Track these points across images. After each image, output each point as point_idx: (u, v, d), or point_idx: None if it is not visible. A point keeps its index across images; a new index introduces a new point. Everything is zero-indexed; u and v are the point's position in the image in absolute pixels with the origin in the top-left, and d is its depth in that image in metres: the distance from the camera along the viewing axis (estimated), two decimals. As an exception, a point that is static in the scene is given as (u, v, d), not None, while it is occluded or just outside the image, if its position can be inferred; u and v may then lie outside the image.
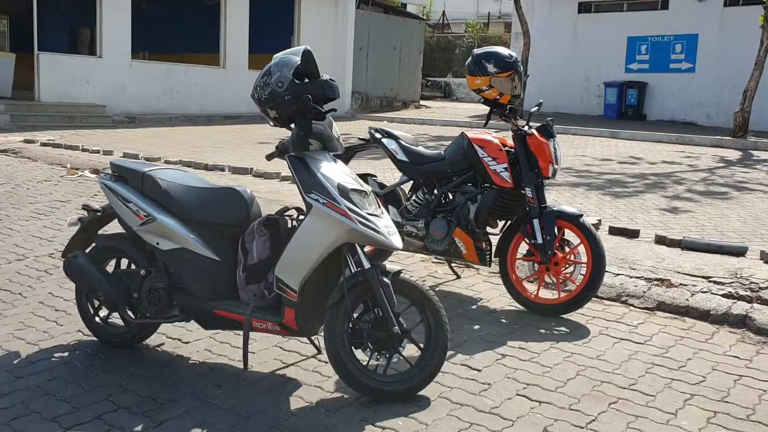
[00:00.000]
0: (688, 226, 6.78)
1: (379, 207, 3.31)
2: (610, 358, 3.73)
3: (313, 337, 3.48)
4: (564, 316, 4.33)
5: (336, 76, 15.41)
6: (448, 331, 3.26)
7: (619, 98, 19.48)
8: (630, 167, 10.94)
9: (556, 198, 7.88)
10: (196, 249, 3.37)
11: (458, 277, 5.06)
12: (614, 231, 6.00)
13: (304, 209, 3.23)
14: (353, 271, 3.20)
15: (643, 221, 6.84)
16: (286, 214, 3.44)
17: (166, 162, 9.91)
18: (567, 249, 4.43)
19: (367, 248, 3.29)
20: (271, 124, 3.34)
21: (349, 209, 3.09)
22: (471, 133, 4.60)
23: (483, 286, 4.89)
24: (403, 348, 3.24)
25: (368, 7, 21.10)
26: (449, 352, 3.68)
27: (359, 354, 3.21)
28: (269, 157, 3.41)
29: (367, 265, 3.16)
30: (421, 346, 3.25)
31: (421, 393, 3.22)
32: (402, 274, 3.27)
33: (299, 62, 3.17)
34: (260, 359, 3.61)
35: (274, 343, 3.75)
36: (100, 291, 3.48)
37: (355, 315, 3.23)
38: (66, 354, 3.64)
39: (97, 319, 3.74)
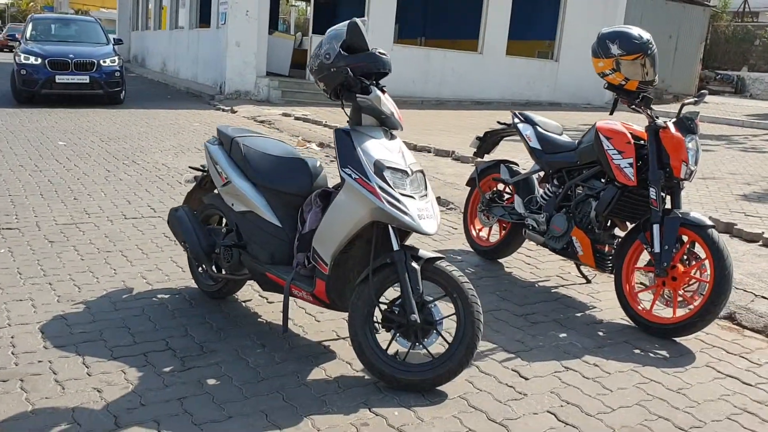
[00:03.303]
0: None
1: (426, 189, 3.17)
2: (695, 394, 3.16)
3: None
4: (678, 339, 3.75)
5: None
6: (479, 328, 3.03)
7: None
8: None
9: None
10: (261, 213, 3.53)
11: (588, 281, 4.62)
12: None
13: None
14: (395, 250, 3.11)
15: None
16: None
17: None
18: (694, 263, 3.81)
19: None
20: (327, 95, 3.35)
21: (380, 187, 3.00)
22: (602, 122, 4.15)
23: (608, 295, 4.40)
24: (435, 339, 3.10)
25: (644, -9, 19.67)
26: (507, 355, 3.47)
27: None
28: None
29: (396, 247, 3.06)
30: (449, 340, 3.07)
31: (441, 388, 3.05)
32: (439, 262, 3.09)
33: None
34: (320, 328, 3.69)
35: (343, 316, 3.79)
36: (187, 242, 3.81)
37: (388, 298, 3.16)
38: (167, 296, 4.05)
39: (200, 269, 4.11)
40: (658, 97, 20.06)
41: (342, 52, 3.13)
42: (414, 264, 3.05)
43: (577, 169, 4.35)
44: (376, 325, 3.14)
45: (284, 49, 17.63)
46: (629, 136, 3.98)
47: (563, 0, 18.96)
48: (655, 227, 3.79)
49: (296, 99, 15.83)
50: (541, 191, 4.63)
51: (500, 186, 5.01)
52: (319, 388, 3.05)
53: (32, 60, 12.39)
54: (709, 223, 3.70)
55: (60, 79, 12.50)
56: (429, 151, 9.32)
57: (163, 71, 23.36)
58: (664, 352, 3.60)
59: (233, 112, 13.90)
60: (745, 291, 4.27)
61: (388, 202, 2.99)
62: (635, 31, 3.90)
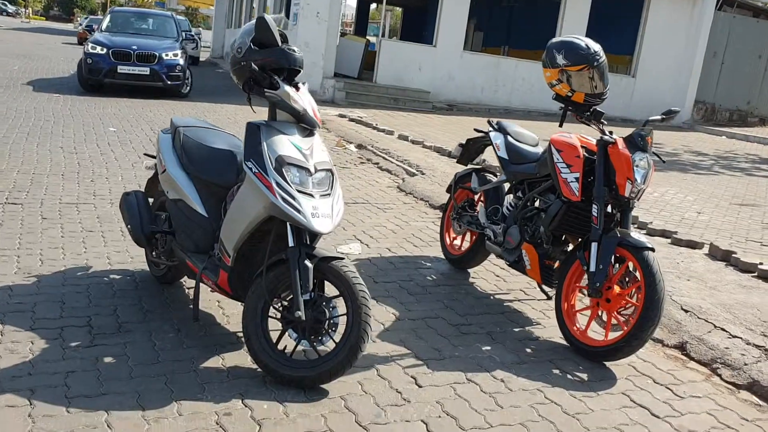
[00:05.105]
0: None
1: (330, 189, 3.17)
2: (590, 420, 3.01)
3: None
4: (609, 364, 3.58)
5: (678, 82, 15.05)
6: (365, 331, 3.00)
7: None
8: None
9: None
10: (190, 202, 3.62)
11: (549, 298, 4.46)
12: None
13: None
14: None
15: None
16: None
17: (407, 140, 10.36)
18: (632, 285, 3.62)
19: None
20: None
21: (277, 183, 3.02)
22: (557, 135, 4.01)
23: (562, 312, 4.25)
24: (329, 338, 3.10)
25: (732, 9, 18.69)
26: (415, 362, 3.42)
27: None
28: None
29: (291, 243, 3.07)
30: (336, 341, 3.06)
31: (325, 387, 3.04)
32: (335, 262, 3.08)
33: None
34: (244, 319, 3.73)
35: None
36: (130, 225, 3.94)
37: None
38: (118, 277, 4.21)
39: (153, 254, 4.24)
40: (742, 119, 19.08)
41: (252, 46, 3.18)
42: (307, 262, 3.05)
43: (538, 181, 4.23)
44: (275, 319, 3.17)
45: (355, 51, 17.82)
46: (581, 150, 3.83)
47: (644, 14, 18.32)
48: (594, 246, 3.63)
49: (360, 101, 15.99)
50: (507, 202, 4.53)
51: (476, 195, 4.92)
52: (206, 376, 3.10)
53: (98, 50, 12.99)
54: (648, 245, 3.51)
55: (122, 69, 13.01)
56: (448, 155, 9.26)
57: (247, 68, 24.05)
58: (584, 375, 3.45)
59: (293, 110, 14.15)
60: (706, 321, 4.02)
61: (282, 198, 3.00)
62: (583, 42, 3.75)
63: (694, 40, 18.34)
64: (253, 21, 3.23)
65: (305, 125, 3.27)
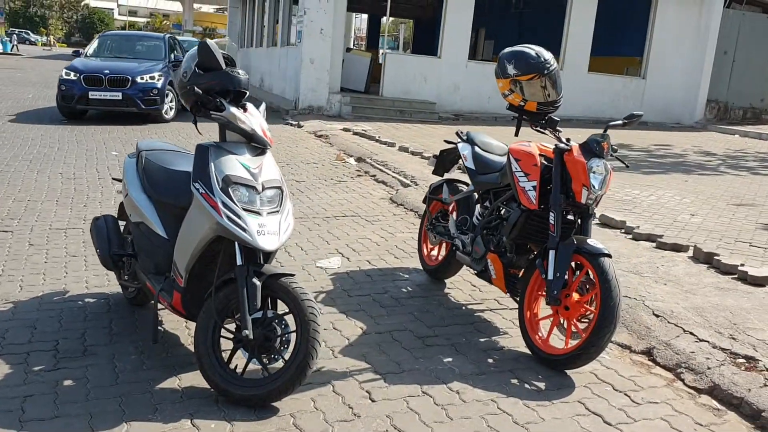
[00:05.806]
0: None
1: (279, 206, 3.21)
2: (539, 430, 3.00)
3: None
4: (570, 372, 3.56)
5: (689, 82, 14.79)
6: (314, 347, 3.03)
7: None
8: None
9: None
10: (150, 225, 3.68)
11: (522, 306, 4.45)
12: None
13: None
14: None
15: None
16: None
17: (407, 151, 10.38)
18: (591, 292, 3.61)
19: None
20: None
21: (223, 202, 3.08)
22: (516, 144, 4.02)
23: (532, 321, 4.24)
24: (280, 356, 3.14)
25: (741, 6, 18.48)
26: (372, 376, 3.45)
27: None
28: None
29: (239, 262, 3.12)
30: (286, 358, 3.09)
31: (276, 404, 3.08)
32: (284, 279, 3.12)
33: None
34: (210, 339, 3.78)
35: (237, 328, 3.88)
36: (98, 248, 4.03)
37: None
38: (92, 301, 4.29)
39: (126, 278, 4.32)
40: (756, 116, 18.82)
41: (197, 70, 3.24)
42: (255, 280, 3.09)
43: (503, 190, 4.23)
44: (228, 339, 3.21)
45: (361, 65, 17.93)
46: (538, 158, 3.84)
47: (652, 15, 18.18)
48: (551, 254, 3.63)
49: (366, 114, 16.06)
50: (477, 212, 4.54)
51: (449, 206, 4.93)
52: (161, 396, 3.15)
53: (72, 76, 12.70)
54: (605, 251, 3.50)
55: (93, 95, 12.59)
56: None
57: (261, 87, 24.28)
58: (542, 384, 3.44)
59: (299, 126, 14.29)
60: (675, 325, 3.98)
61: (228, 217, 3.06)
62: (534, 50, 3.76)
63: (704, 38, 18.15)
64: (196, 47, 3.30)
65: (256, 144, 3.32)
